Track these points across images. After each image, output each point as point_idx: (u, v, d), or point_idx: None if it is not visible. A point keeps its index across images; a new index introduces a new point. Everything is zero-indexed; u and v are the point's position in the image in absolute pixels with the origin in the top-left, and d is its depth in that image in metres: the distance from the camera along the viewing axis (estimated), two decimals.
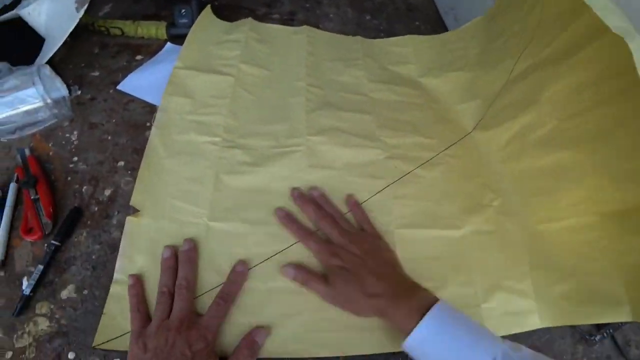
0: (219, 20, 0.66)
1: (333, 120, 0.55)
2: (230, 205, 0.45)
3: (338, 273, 0.39)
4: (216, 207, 0.44)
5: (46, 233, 0.43)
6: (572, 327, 0.46)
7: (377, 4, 0.81)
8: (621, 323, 0.46)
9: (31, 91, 0.47)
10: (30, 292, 0.40)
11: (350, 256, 0.39)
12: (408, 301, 0.35)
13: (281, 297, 0.40)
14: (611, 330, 0.46)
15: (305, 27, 0.69)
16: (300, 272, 0.40)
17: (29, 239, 0.43)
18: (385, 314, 0.36)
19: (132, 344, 0.34)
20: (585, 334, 0.45)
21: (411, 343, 0.33)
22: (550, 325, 0.43)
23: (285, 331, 0.38)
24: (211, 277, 0.40)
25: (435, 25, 0.79)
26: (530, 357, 0.33)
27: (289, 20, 0.73)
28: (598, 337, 0.46)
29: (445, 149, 0.54)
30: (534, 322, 0.42)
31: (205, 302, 0.38)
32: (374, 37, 0.71)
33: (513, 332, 0.42)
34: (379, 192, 0.48)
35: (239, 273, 0.40)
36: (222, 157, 0.48)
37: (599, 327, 0.47)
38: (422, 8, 0.83)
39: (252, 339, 0.36)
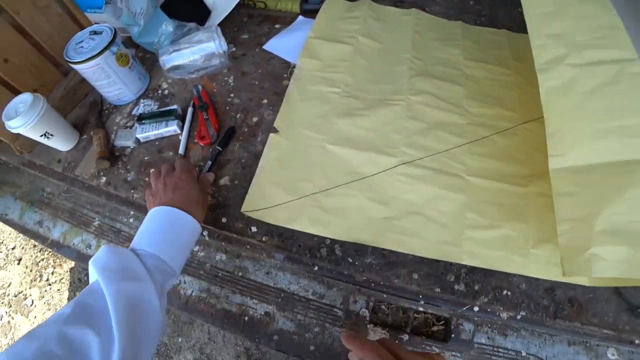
0: (343, 0, 0.80)
1: (429, 86, 0.65)
2: (344, 137, 0.58)
3: None
4: (334, 136, 0.58)
5: (212, 141, 0.60)
6: (620, 295, 0.47)
7: None
8: None
9: (212, 44, 0.65)
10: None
11: None
12: None
13: (367, 203, 0.52)
14: None
15: (413, 9, 0.79)
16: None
17: (201, 143, 0.60)
18: None
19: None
20: (635, 306, 0.46)
21: None
22: (587, 284, 0.46)
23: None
24: (327, 182, 0.54)
25: None
26: None
27: (399, 2, 0.83)
28: None
29: (524, 122, 0.60)
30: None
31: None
32: (476, 21, 0.78)
33: (555, 279, 0.47)
34: (457, 146, 0.56)
35: None
36: (341, 103, 0.62)
37: None
38: None
39: None
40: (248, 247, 0.52)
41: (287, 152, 0.57)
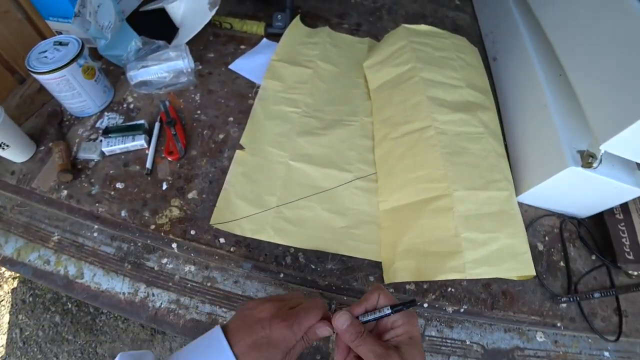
0: (304, 26, 0.86)
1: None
2: (305, 153, 0.64)
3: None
4: (295, 153, 0.64)
5: (181, 156, 0.63)
6: (543, 286, 0.57)
7: (429, 23, 0.93)
8: (591, 294, 0.57)
9: (180, 62, 0.68)
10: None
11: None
12: None
13: (326, 214, 0.59)
14: (577, 298, 0.56)
15: (367, 38, 0.88)
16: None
17: (170, 158, 0.63)
18: None
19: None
20: (555, 295, 0.56)
21: None
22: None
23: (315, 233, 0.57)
24: (289, 195, 0.59)
25: (478, 45, 0.90)
26: None
27: (355, 30, 0.91)
28: (564, 299, 0.56)
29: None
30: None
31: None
32: None
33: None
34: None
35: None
36: (301, 122, 0.68)
37: (568, 291, 0.57)
38: (467, 29, 0.98)
39: (314, 332, 0.37)
40: (217, 257, 0.55)
41: (253, 168, 0.62)
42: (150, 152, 0.63)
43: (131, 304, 0.55)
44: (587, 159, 0.52)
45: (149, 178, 0.62)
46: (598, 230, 0.64)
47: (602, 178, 0.53)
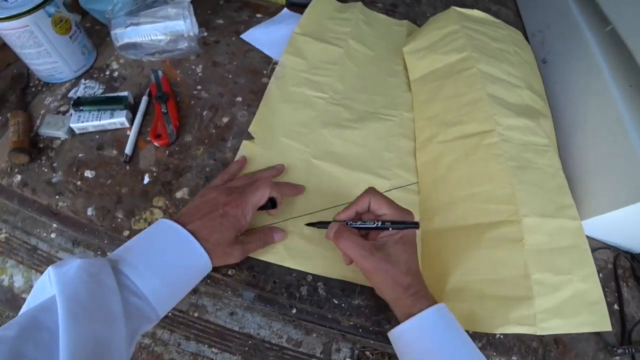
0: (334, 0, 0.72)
1: None
2: (331, 150, 0.50)
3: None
4: (319, 149, 0.50)
5: (171, 141, 0.49)
6: (598, 334, 0.47)
7: None
8: None
9: (181, 23, 0.54)
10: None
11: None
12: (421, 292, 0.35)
13: None
14: (633, 349, 0.47)
15: (405, 21, 0.74)
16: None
17: (157, 143, 0.49)
18: (401, 294, 0.35)
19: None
20: (609, 345, 0.47)
21: (411, 325, 0.33)
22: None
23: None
24: (310, 204, 0.45)
25: None
26: None
27: (391, 11, 0.77)
28: (620, 351, 0.47)
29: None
30: None
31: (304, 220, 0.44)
32: None
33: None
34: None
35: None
36: (327, 110, 0.54)
37: (622, 342, 0.48)
38: (511, 23, 0.85)
39: (271, 234, 0.41)
40: (209, 281, 0.41)
41: (263, 165, 0.48)
42: (132, 134, 0.49)
43: None
44: None
45: (128, 167, 0.47)
46: None
47: None
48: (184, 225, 0.34)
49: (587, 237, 0.52)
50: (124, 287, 0.30)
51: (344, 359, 0.42)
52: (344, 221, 0.38)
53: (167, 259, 0.33)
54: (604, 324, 0.42)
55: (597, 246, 0.53)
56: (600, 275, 0.51)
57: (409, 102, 0.58)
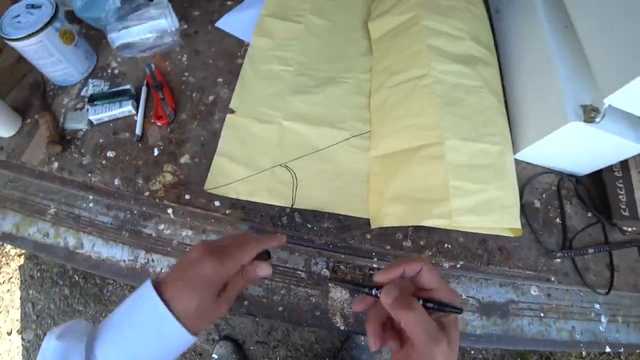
0: None
1: None
2: (298, 113, 0.62)
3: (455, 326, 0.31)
4: (288, 112, 0.62)
5: (170, 120, 0.61)
6: (538, 242, 0.57)
7: None
8: (585, 250, 0.57)
9: (163, 21, 0.64)
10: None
11: None
12: None
13: (321, 173, 0.58)
14: (572, 254, 0.57)
15: None
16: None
17: (159, 123, 0.61)
18: None
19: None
20: (549, 250, 0.56)
21: None
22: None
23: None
24: (284, 156, 0.58)
25: None
26: None
27: None
28: (559, 254, 0.56)
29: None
30: None
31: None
32: None
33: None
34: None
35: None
36: (294, 81, 0.65)
37: (563, 247, 0.57)
38: None
39: (254, 270, 0.39)
40: (212, 220, 0.55)
41: (245, 130, 0.60)
42: (139, 118, 0.61)
43: (132, 271, 0.55)
44: (590, 114, 0.50)
45: (140, 145, 0.60)
46: (595, 188, 0.63)
47: (605, 133, 0.51)
48: (164, 292, 0.34)
49: (530, 163, 0.62)
50: None
51: (321, 270, 0.55)
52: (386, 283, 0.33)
53: (140, 336, 0.33)
54: (513, 222, 0.52)
55: (540, 171, 0.63)
56: (544, 195, 0.61)
57: (364, 65, 0.69)
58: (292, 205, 0.55)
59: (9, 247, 1.14)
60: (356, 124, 0.62)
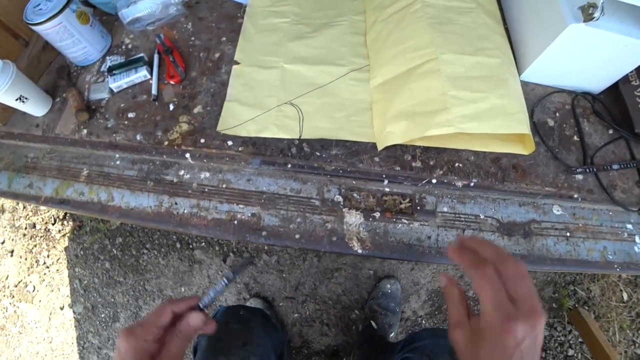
0: None
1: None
2: (298, 56, 0.65)
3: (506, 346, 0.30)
4: (289, 57, 0.65)
5: (182, 78, 0.66)
6: (557, 158, 0.56)
7: None
8: (609, 165, 0.55)
9: None
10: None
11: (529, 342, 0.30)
12: None
13: (325, 106, 0.60)
14: (594, 169, 0.54)
15: None
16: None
17: (172, 82, 0.66)
18: None
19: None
20: (569, 166, 0.55)
21: None
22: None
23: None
24: (288, 95, 0.61)
25: None
26: None
27: None
28: (579, 170, 0.54)
29: None
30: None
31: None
32: None
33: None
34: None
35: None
36: (292, 30, 0.69)
37: (584, 163, 0.55)
38: None
39: (186, 322, 0.40)
40: (227, 159, 0.58)
41: (250, 77, 0.64)
42: (154, 80, 0.66)
43: (158, 215, 0.60)
44: (588, 11, 0.49)
45: (156, 103, 0.65)
46: (614, 105, 0.61)
47: (609, 34, 0.49)
48: None
49: (539, 84, 0.61)
50: None
51: (334, 196, 0.58)
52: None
53: None
54: (521, 128, 0.51)
55: (550, 91, 0.62)
56: (557, 114, 0.60)
57: (356, 8, 0.71)
58: (299, 137, 0.57)
59: (54, 232, 1.25)
60: (355, 59, 0.64)
